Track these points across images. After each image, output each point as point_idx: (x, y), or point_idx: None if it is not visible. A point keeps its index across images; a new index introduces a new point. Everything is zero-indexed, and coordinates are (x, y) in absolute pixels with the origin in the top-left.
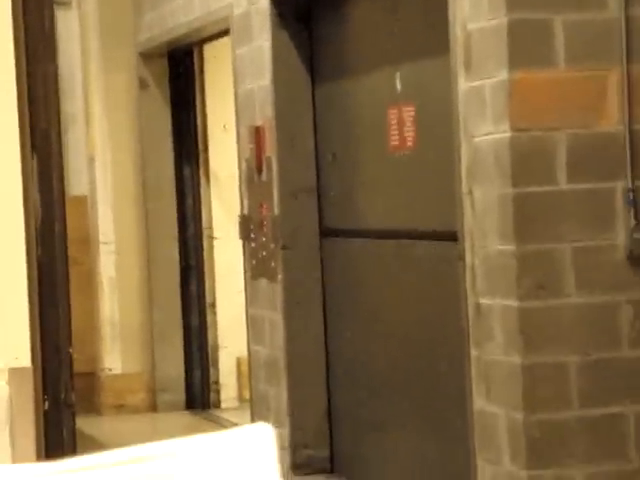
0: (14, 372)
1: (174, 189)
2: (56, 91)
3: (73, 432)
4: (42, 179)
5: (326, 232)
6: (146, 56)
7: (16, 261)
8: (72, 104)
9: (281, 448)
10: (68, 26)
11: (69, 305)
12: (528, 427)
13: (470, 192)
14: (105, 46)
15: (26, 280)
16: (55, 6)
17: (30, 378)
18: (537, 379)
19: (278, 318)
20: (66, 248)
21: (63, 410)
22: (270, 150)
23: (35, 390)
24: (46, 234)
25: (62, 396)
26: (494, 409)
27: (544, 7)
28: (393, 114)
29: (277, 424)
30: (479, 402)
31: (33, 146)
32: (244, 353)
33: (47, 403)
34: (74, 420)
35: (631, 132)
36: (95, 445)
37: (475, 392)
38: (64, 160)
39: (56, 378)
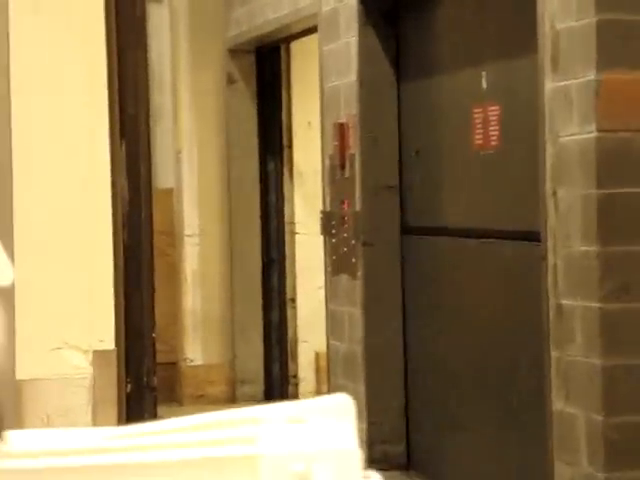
0: (98, 354)
1: (258, 184)
2: (146, 79)
3: (155, 415)
4: (130, 165)
5: (407, 229)
6: (234, 52)
7: (102, 246)
8: (160, 98)
9: (359, 443)
10: (159, 20)
11: (153, 290)
12: (607, 429)
13: (554, 192)
14: (194, 41)
15: (112, 265)
16: (147, 1)
17: (114, 361)
18: (617, 381)
19: (357, 314)
20: (152, 235)
21: (145, 393)
22: (354, 147)
23: (118, 373)
24: (133, 220)
25: (145, 380)
26: (573, 410)
27: (633, 7)
28: (478, 113)
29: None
30: (558, 403)
31: (122, 132)
32: (323, 348)
33: (130, 386)
34: (156, 403)
35: None
36: None
37: (554, 393)
38: (152, 153)
39: (139, 362)
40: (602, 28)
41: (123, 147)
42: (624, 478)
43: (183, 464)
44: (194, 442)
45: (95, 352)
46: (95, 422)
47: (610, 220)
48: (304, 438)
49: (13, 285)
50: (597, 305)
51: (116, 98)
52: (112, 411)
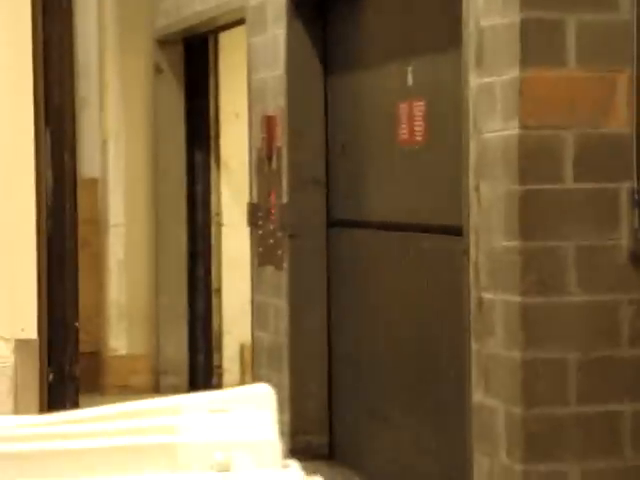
0: (20, 343)
1: (185, 174)
2: (71, 68)
3: (76, 405)
4: (54, 155)
5: (333, 222)
6: (162, 42)
7: (26, 235)
8: (87, 87)
9: (281, 434)
10: (86, 9)
11: (77, 280)
12: (525, 422)
13: (477, 187)
14: (122, 31)
15: (35, 254)
16: None
17: (36, 350)
18: (536, 374)
19: (283, 305)
20: (76, 224)
21: (67, 383)
22: (281, 140)
23: (40, 362)
24: (56, 209)
25: (67, 369)
26: (493, 403)
27: (557, 7)
28: (404, 108)
29: (278, 410)
30: (478, 395)
31: (46, 121)
32: (248, 339)
33: (51, 375)
34: (78, 393)
35: (639, 133)
36: None
37: (474, 385)
38: (77, 142)
39: (61, 351)
40: (526, 26)
41: (47, 136)
42: (542, 470)
43: (103, 452)
44: (115, 430)
45: (17, 341)
46: (16, 411)
47: (531, 215)
48: (224, 427)
49: None
50: (517, 299)
51: (41, 86)
52: (33, 400)
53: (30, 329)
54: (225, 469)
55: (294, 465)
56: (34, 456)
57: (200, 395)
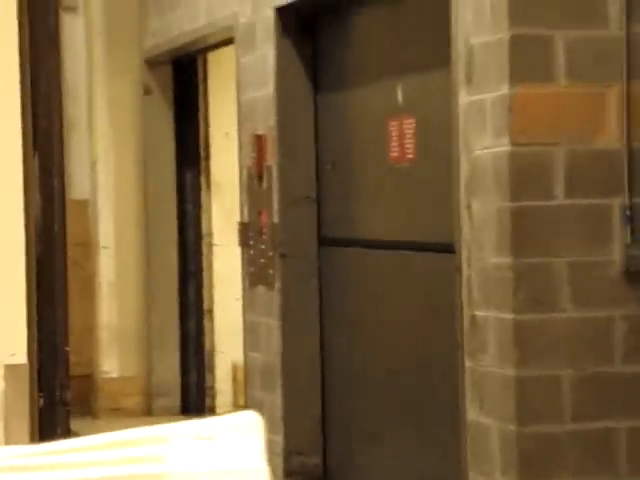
0: (10, 369)
1: (175, 195)
2: (59, 91)
3: (68, 430)
4: (43, 178)
5: (324, 241)
6: (151, 63)
7: (15, 259)
8: (76, 108)
9: (274, 454)
10: (74, 31)
11: (67, 304)
12: (521, 439)
13: (468, 205)
14: (110, 52)
15: (24, 278)
16: (61, 11)
17: (26, 375)
18: (530, 392)
19: (275, 325)
20: (65, 248)
21: (58, 408)
22: (271, 159)
23: (30, 387)
24: (45, 233)
25: (57, 394)
26: (487, 421)
27: (546, 23)
28: (394, 126)
29: (271, 430)
30: (472, 413)
31: (35, 145)
32: (240, 359)
33: (42, 401)
34: (69, 418)
35: (629, 149)
36: None
37: (468, 403)
38: (66, 164)
39: (52, 376)
40: (515, 43)
41: (36, 159)
42: None
43: None
44: (103, 461)
45: (7, 366)
46: (7, 437)
47: (523, 232)
48: (211, 456)
49: None
50: (510, 316)
51: (29, 110)
52: (24, 426)
53: (20, 354)
54: None
55: None
56: None
57: (187, 423)
